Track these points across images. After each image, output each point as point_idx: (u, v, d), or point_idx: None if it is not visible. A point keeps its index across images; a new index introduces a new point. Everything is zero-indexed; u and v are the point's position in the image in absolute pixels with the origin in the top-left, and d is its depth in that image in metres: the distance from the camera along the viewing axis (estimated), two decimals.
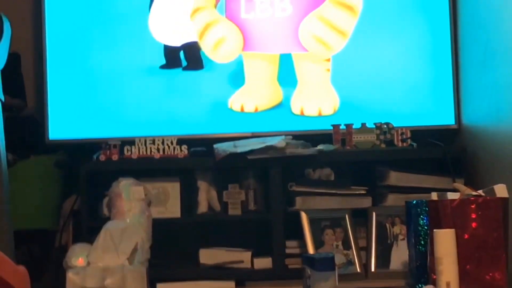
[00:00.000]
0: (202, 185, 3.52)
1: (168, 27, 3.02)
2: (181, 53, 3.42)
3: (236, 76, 3.50)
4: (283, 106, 3.48)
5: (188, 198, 3.52)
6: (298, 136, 3.53)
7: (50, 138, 3.61)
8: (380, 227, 3.39)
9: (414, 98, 3.67)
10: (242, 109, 3.20)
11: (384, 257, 3.36)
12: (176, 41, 3.09)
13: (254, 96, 2.93)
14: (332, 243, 3.38)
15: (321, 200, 3.45)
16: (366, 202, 3.47)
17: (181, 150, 3.46)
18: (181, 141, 3.48)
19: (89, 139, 3.59)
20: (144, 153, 3.45)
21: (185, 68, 3.35)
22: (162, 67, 3.34)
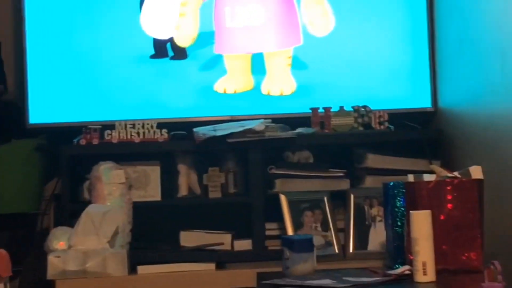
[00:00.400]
0: (182, 169, 3.54)
1: (158, 22, 3.41)
2: (168, 45, 3.57)
3: (214, 64, 3.61)
4: (256, 89, 3.61)
5: (169, 181, 3.54)
6: (277, 120, 3.56)
7: (30, 123, 3.61)
8: (358, 208, 3.43)
9: (391, 82, 3.70)
10: (224, 91, 3.55)
11: (362, 239, 3.40)
12: (165, 35, 3.45)
13: (234, 82, 3.49)
14: (311, 225, 3.41)
15: (300, 183, 3.48)
16: (344, 184, 3.50)
17: (161, 134, 3.48)
18: (161, 125, 3.50)
19: (70, 123, 3.60)
20: (124, 137, 3.46)
21: (172, 58, 3.56)
22: (152, 56, 3.55)
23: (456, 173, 2.69)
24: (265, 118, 3.53)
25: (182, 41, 3.28)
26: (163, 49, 3.59)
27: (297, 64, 3.67)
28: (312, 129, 3.55)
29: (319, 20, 3.26)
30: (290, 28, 3.36)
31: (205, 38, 3.63)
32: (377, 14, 3.71)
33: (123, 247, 3.27)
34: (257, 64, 3.61)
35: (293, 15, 3.34)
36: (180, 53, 3.54)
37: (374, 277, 2.51)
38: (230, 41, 3.37)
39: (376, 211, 3.41)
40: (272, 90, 3.54)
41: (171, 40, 3.56)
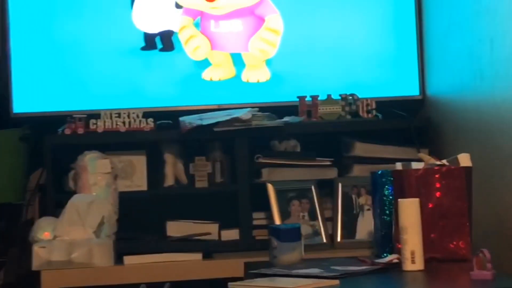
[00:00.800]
0: (169, 158, 3.52)
1: (149, 17, 3.63)
2: (157, 38, 3.65)
3: None
4: (238, 78, 3.67)
5: (155, 171, 3.51)
6: (264, 108, 3.54)
7: (14, 112, 3.57)
8: (346, 197, 3.42)
9: (378, 69, 3.69)
10: (211, 79, 3.66)
11: (350, 227, 3.38)
12: (155, 29, 3.64)
13: (218, 72, 3.67)
14: (298, 214, 3.40)
15: (287, 172, 3.46)
16: (332, 173, 3.49)
17: (147, 123, 3.45)
18: (147, 114, 3.47)
19: (55, 113, 3.56)
20: (110, 126, 3.44)
21: (161, 50, 3.65)
22: (143, 48, 3.64)
23: (444, 161, 2.69)
24: (252, 107, 3.52)
25: (201, 57, 3.62)
26: (153, 41, 3.65)
27: (284, 52, 3.65)
28: (299, 117, 3.53)
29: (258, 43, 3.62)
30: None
31: None
32: (364, 1, 3.69)
33: (109, 237, 3.24)
34: (237, 56, 3.68)
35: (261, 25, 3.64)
36: (168, 45, 3.64)
37: (362, 265, 2.50)
38: (214, 42, 3.63)
39: (364, 200, 3.40)
40: (250, 78, 3.65)
41: (160, 33, 3.64)
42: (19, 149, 3.58)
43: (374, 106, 3.54)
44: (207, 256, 3.32)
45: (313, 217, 3.40)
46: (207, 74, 3.66)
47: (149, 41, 3.64)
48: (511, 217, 2.72)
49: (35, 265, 3.14)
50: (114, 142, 3.45)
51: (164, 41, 3.64)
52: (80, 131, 3.42)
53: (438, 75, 3.54)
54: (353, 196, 3.42)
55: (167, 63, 3.65)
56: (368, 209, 3.33)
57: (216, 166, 3.51)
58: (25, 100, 3.59)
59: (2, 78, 3.65)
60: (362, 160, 3.48)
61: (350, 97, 3.55)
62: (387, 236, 2.67)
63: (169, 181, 3.51)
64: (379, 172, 2.75)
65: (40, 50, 3.61)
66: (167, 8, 3.63)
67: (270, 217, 3.38)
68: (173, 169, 3.52)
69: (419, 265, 2.43)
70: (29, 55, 3.61)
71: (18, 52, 3.59)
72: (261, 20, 3.61)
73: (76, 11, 3.63)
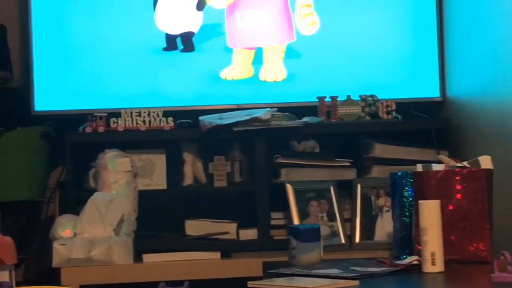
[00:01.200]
0: (188, 157, 3.53)
1: (171, 19, 3.68)
2: (178, 39, 3.68)
3: (220, 56, 3.66)
4: (255, 77, 3.69)
5: (174, 170, 3.53)
6: (283, 108, 3.55)
7: (36, 110, 3.59)
8: (365, 198, 3.41)
9: (399, 70, 3.69)
10: (226, 78, 3.70)
11: (368, 229, 3.38)
12: (176, 30, 3.68)
13: (237, 71, 3.69)
14: (317, 214, 3.40)
15: (306, 172, 3.46)
16: (351, 174, 3.49)
17: (167, 122, 3.46)
18: (167, 113, 3.48)
19: (76, 111, 3.58)
20: (130, 125, 3.45)
21: (182, 51, 3.68)
22: (165, 49, 3.67)
23: (465, 163, 2.68)
24: (271, 107, 3.52)
25: (221, 4, 3.65)
26: (174, 42, 3.68)
27: (304, 52, 3.66)
28: (318, 118, 3.53)
29: (303, 20, 3.66)
30: (285, 27, 3.67)
31: (210, 32, 3.67)
32: (385, 2, 3.69)
33: (129, 235, 3.26)
34: (255, 57, 3.69)
35: (288, 16, 3.68)
36: (189, 46, 3.68)
37: (382, 267, 2.49)
38: (240, 37, 3.65)
39: (383, 201, 3.39)
40: (267, 77, 3.67)
41: (181, 34, 3.67)
42: (40, 147, 3.60)
43: (394, 107, 3.54)
44: (225, 255, 3.32)
45: (331, 217, 3.40)
46: (225, 73, 3.67)
47: (171, 42, 3.67)
48: None
49: (55, 262, 3.16)
50: (134, 141, 3.46)
51: (184, 42, 3.67)
52: (101, 129, 3.43)
53: (459, 77, 3.53)
54: (372, 197, 3.42)
55: (187, 64, 3.67)
56: (387, 211, 3.33)
57: (235, 165, 3.52)
58: (46, 98, 3.61)
59: (24, 76, 3.68)
60: (381, 161, 3.48)
61: (370, 98, 3.55)
62: (407, 238, 2.66)
63: (188, 180, 3.52)
64: (399, 174, 2.74)
65: (62, 49, 3.63)
66: (188, 10, 3.68)
67: (288, 217, 3.38)
68: (192, 168, 3.53)
69: (439, 267, 2.42)
70: (51, 54, 3.63)
71: (40, 51, 3.61)
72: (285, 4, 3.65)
73: (98, 11, 3.65)
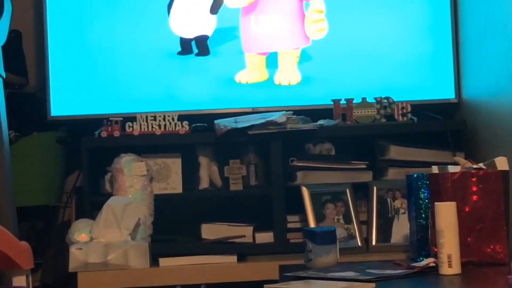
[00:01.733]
0: (203, 161, 3.53)
1: (185, 23, 3.69)
2: (193, 43, 3.69)
3: (234, 59, 3.67)
4: (270, 80, 3.72)
5: (190, 173, 3.53)
6: (299, 112, 3.55)
7: (52, 115, 3.61)
8: (381, 201, 3.41)
9: (414, 72, 3.68)
10: (241, 81, 3.72)
11: (385, 231, 3.37)
12: (191, 34, 3.69)
13: (251, 75, 3.71)
14: (333, 217, 3.40)
15: (322, 175, 3.46)
16: (367, 176, 3.48)
17: (182, 126, 3.47)
18: (182, 117, 3.49)
19: (91, 115, 3.60)
20: (146, 129, 3.46)
21: (197, 54, 3.70)
22: (179, 53, 3.68)
23: (481, 164, 2.67)
24: (286, 110, 3.52)
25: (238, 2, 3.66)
26: (189, 46, 3.68)
27: (319, 55, 3.66)
28: (334, 121, 3.53)
29: (312, 25, 3.67)
30: (300, 32, 3.68)
31: (225, 35, 3.68)
32: (400, 3, 3.69)
33: (145, 239, 3.27)
34: (270, 61, 3.70)
35: (303, 21, 3.67)
36: (203, 50, 3.68)
37: (398, 269, 2.48)
38: (255, 42, 3.68)
39: (399, 203, 3.38)
40: (282, 81, 3.69)
41: (196, 38, 3.68)
42: (56, 152, 3.61)
43: (409, 109, 3.53)
44: (241, 258, 3.32)
45: (348, 220, 3.39)
46: (240, 77, 3.68)
47: (185, 46, 3.67)
48: None
49: (72, 266, 3.17)
50: (150, 145, 3.47)
51: (199, 46, 3.68)
52: (116, 134, 3.44)
53: (474, 78, 3.52)
54: (388, 200, 3.41)
55: (202, 67, 3.68)
56: (404, 213, 3.32)
57: (251, 169, 3.52)
58: (62, 103, 3.62)
59: (40, 82, 3.69)
60: (397, 163, 3.47)
61: (385, 100, 3.55)
62: (423, 240, 2.65)
63: (204, 184, 3.52)
64: (415, 176, 2.73)
65: (77, 54, 3.65)
66: (202, 13, 3.69)
67: (304, 220, 3.38)
68: (208, 172, 3.53)
69: (456, 269, 2.41)
70: (67, 59, 3.64)
71: (55, 56, 3.63)
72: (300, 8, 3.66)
73: (113, 16, 3.67)
